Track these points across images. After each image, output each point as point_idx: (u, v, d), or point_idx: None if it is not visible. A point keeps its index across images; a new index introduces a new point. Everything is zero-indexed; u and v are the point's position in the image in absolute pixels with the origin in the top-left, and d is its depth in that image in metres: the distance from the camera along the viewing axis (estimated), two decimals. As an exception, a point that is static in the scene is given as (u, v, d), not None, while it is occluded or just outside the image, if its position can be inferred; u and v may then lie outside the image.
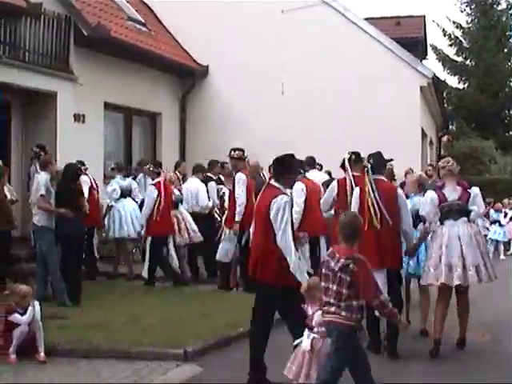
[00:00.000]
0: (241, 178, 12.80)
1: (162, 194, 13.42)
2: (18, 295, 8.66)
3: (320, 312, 6.49)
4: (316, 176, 14.55)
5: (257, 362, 7.72)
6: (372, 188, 9.04)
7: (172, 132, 20.89)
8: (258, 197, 7.73)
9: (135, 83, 18.61)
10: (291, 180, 7.80)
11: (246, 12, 20.30)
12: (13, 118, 15.74)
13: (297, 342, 6.99)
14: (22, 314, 8.49)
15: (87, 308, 11.01)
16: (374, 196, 8.99)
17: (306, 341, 6.78)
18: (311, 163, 14.88)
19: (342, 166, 10.05)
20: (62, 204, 11.53)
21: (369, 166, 9.29)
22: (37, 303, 8.75)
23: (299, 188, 12.00)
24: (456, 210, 9.19)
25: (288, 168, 7.68)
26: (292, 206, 7.67)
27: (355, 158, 9.99)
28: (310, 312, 6.79)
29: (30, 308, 8.54)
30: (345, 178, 9.85)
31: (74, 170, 12.06)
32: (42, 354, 8.44)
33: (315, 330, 6.67)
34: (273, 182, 7.57)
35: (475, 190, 9.50)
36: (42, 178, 11.57)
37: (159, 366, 8.27)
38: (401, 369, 8.39)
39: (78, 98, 16.28)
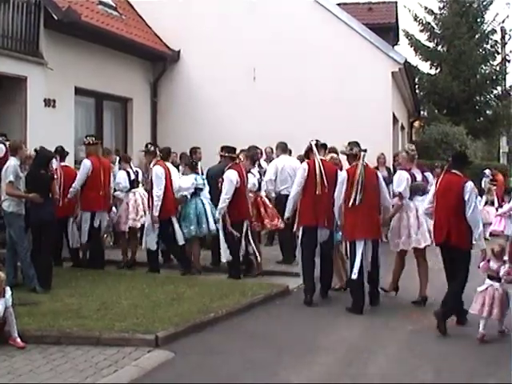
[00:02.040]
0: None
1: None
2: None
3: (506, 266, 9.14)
4: (287, 161, 15.07)
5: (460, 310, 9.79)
6: (361, 171, 10.79)
7: (143, 117, 20.79)
8: (440, 181, 9.97)
9: (106, 68, 18.50)
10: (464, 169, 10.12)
11: (218, -4, 20.25)
12: (-18, 102, 15.61)
13: (480, 288, 9.26)
14: (-7, 300, 8.47)
15: (58, 294, 10.94)
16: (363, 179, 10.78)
17: (488, 287, 9.18)
18: (284, 148, 15.33)
19: (309, 150, 11.66)
20: (32, 189, 11.45)
21: (362, 153, 10.98)
22: (8, 289, 8.70)
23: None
24: (423, 189, 11.50)
25: (466, 161, 10.36)
26: None
27: (321, 144, 11.75)
28: (494, 267, 9.21)
29: (2, 299, 8.49)
30: (313, 161, 11.41)
31: (46, 155, 11.95)
32: (19, 340, 8.43)
33: (502, 280, 9.14)
34: (454, 170, 9.89)
35: (430, 175, 12.12)
36: (10, 165, 11.46)
37: (131, 351, 8.26)
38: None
39: (49, 83, 16.16)
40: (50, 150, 12.37)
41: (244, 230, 12.86)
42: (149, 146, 14.07)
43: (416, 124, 33.52)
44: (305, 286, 11.51)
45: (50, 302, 10.38)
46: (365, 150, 11.09)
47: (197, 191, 13.59)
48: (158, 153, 13.76)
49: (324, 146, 11.92)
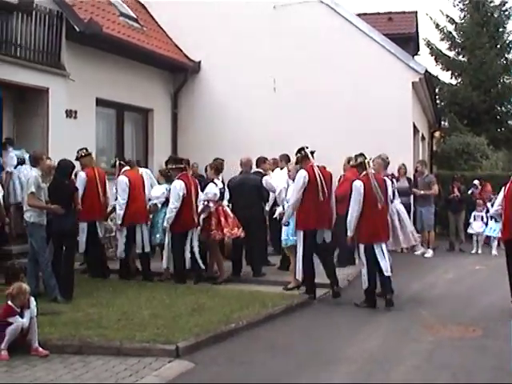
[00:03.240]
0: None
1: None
2: (24, 294, 8.66)
3: None
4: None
5: None
6: (374, 178, 11.68)
7: (164, 128, 20.86)
8: (509, 186, 11.45)
9: (127, 79, 18.59)
10: None
11: (239, 7, 20.29)
12: (4, 114, 15.68)
13: None
14: (19, 314, 8.52)
15: (79, 304, 10.99)
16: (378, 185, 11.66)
17: None
18: (287, 160, 15.45)
19: (304, 158, 12.20)
20: (54, 200, 11.52)
21: (366, 161, 11.82)
22: (32, 300, 8.76)
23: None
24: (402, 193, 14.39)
25: None
26: None
27: (313, 152, 12.31)
28: None
29: (27, 310, 8.57)
30: (312, 168, 12.01)
31: (68, 166, 12.02)
32: (41, 349, 8.49)
33: None
34: None
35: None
36: (31, 176, 11.55)
37: (151, 362, 8.27)
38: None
39: (70, 94, 16.25)
40: (71, 161, 12.43)
41: (189, 238, 13.35)
42: (116, 159, 14.75)
43: (436, 134, 33.35)
44: (309, 286, 12.28)
45: (71, 311, 10.44)
46: (371, 159, 12.10)
47: (167, 200, 13.79)
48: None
49: (312, 153, 12.35)
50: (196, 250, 13.48)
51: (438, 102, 29.90)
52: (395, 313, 11.34)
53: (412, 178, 19.45)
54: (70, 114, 16.36)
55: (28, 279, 11.30)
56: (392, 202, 12.41)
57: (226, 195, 14.09)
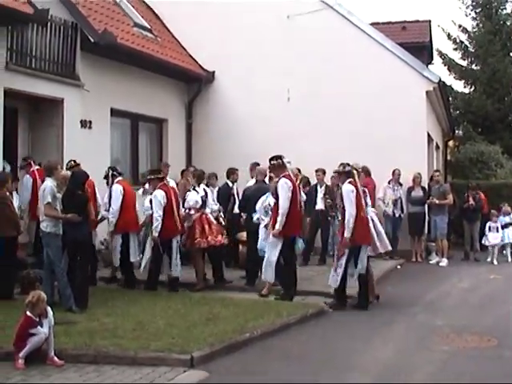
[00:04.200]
0: None
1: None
2: (43, 302, 8.71)
3: None
4: None
5: None
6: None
7: (178, 138, 20.92)
8: None
9: (141, 89, 18.66)
10: None
11: (252, 17, 20.32)
12: (20, 124, 15.79)
13: None
14: (38, 323, 8.56)
15: (94, 314, 11.02)
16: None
17: None
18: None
19: (280, 167, 12.76)
20: (69, 210, 11.57)
21: (354, 171, 12.51)
22: (50, 309, 8.80)
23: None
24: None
25: None
26: None
27: (289, 161, 12.96)
28: None
29: (46, 320, 8.61)
30: (290, 177, 12.67)
31: (81, 176, 12.08)
32: (56, 359, 8.53)
33: None
34: None
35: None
36: (47, 186, 11.60)
37: (166, 371, 8.29)
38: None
39: (85, 105, 16.33)
40: (85, 171, 12.47)
41: (174, 246, 13.57)
42: (108, 169, 14.73)
43: (450, 143, 33.27)
44: (288, 290, 12.75)
45: (86, 321, 10.47)
46: (358, 169, 12.84)
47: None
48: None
49: (288, 162, 13.02)
50: (177, 257, 13.71)
51: (451, 110, 29.78)
52: (410, 322, 11.35)
53: (426, 187, 19.45)
54: (85, 124, 16.43)
55: (43, 288, 11.33)
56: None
57: (209, 203, 14.50)
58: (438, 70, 39.95)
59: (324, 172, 17.86)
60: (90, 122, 16.57)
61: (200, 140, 21.11)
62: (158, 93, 19.60)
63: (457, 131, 33.73)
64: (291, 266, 12.99)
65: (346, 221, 12.14)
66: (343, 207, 12.28)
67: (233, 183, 16.47)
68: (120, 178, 14.43)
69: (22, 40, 14.77)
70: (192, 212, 13.93)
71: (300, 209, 12.96)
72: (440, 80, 20.26)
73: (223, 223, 15.02)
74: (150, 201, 13.83)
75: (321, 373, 8.40)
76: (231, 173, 16.57)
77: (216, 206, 14.93)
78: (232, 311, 11.31)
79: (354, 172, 12.51)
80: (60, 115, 15.77)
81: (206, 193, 14.44)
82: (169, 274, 13.81)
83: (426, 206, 19.26)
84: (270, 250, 12.70)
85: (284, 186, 12.55)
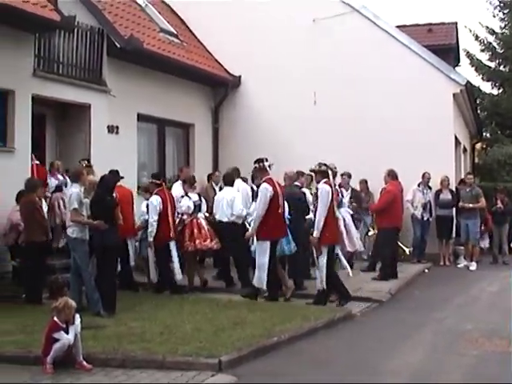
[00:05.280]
0: None
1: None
2: (70, 309, 8.74)
3: None
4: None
5: None
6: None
7: (205, 143, 20.96)
8: None
9: (168, 94, 18.73)
10: None
11: (278, 22, 20.35)
12: (47, 130, 15.92)
13: None
14: (64, 329, 8.58)
15: (122, 318, 11.05)
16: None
17: None
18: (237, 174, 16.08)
19: (263, 169, 13.08)
20: (96, 215, 11.63)
21: (330, 171, 12.73)
22: (78, 317, 8.81)
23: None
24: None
25: None
26: None
27: (270, 165, 13.21)
28: None
29: (72, 327, 8.63)
30: (272, 181, 12.90)
31: (110, 181, 12.13)
32: (85, 363, 8.55)
33: None
34: None
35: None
36: (73, 192, 11.66)
37: (194, 375, 8.27)
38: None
39: (112, 110, 16.43)
40: (113, 177, 12.51)
41: (172, 250, 13.88)
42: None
43: (478, 146, 33.04)
44: (273, 291, 12.99)
45: (114, 325, 10.49)
46: (333, 169, 12.96)
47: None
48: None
49: (270, 166, 13.25)
50: (176, 260, 13.98)
51: (479, 112, 29.59)
52: (438, 326, 11.28)
53: (455, 190, 19.34)
54: (112, 129, 16.52)
55: (71, 293, 11.39)
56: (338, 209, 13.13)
57: (203, 207, 14.81)
58: (466, 71, 39.71)
59: (350, 176, 17.83)
60: (117, 127, 16.65)
61: (226, 144, 21.15)
62: (184, 98, 19.66)
63: (484, 133, 33.49)
64: (273, 268, 13.08)
65: (316, 220, 12.42)
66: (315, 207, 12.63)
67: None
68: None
69: (50, 47, 14.91)
70: (185, 217, 14.28)
71: (282, 213, 13.04)
72: (467, 82, 20.14)
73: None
74: (147, 205, 14.11)
75: (349, 377, 8.35)
76: (255, 177, 16.44)
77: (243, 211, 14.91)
78: (259, 315, 11.28)
79: (329, 172, 12.73)
80: (87, 121, 15.88)
81: (200, 198, 14.82)
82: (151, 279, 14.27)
83: (454, 209, 19.13)
84: (259, 254, 12.87)
85: (263, 191, 12.84)
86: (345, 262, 13.18)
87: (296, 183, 15.23)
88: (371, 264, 16.68)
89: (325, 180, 12.63)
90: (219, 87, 21.23)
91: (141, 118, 17.79)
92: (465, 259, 18.86)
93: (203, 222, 14.44)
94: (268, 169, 13.12)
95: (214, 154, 21.28)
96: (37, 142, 14.88)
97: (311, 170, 13.30)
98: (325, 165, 12.80)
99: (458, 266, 18.65)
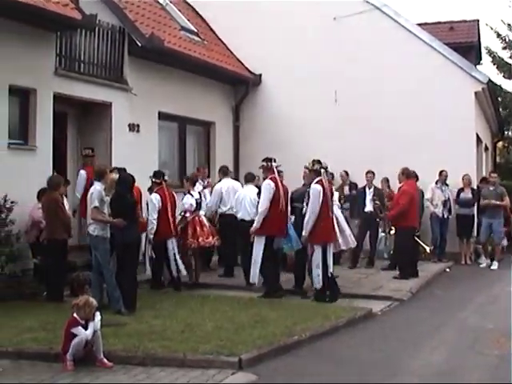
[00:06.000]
0: None
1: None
2: (90, 308, 8.77)
3: None
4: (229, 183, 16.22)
5: None
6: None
7: (226, 141, 20.97)
8: None
9: (189, 93, 18.75)
10: None
11: (299, 19, 20.29)
12: (69, 128, 15.97)
13: None
14: (83, 326, 8.62)
15: (143, 316, 11.09)
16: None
17: None
18: (225, 172, 16.60)
19: (269, 169, 13.39)
20: (117, 213, 11.67)
21: (322, 170, 12.83)
22: (98, 314, 8.84)
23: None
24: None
25: None
26: None
27: (278, 166, 13.58)
28: None
29: (91, 323, 8.65)
30: (276, 179, 13.25)
31: (129, 179, 12.17)
32: (105, 360, 8.58)
33: None
34: None
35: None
36: (95, 190, 11.71)
37: (215, 374, 8.28)
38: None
39: (133, 108, 16.47)
40: (132, 175, 12.51)
41: (170, 247, 14.02)
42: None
43: (499, 144, 32.84)
44: (273, 285, 13.39)
45: (135, 323, 10.53)
46: (326, 168, 13.06)
47: None
48: None
49: (277, 167, 13.61)
50: (177, 257, 14.14)
51: (500, 111, 29.38)
52: (460, 326, 11.22)
53: (476, 188, 19.22)
54: (133, 127, 16.55)
55: (92, 291, 11.47)
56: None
57: (203, 205, 15.21)
58: (487, 69, 39.45)
59: (374, 174, 17.77)
60: (138, 125, 16.68)
61: (247, 142, 21.15)
62: (205, 96, 19.67)
63: (506, 132, 33.28)
64: (274, 265, 13.51)
65: (305, 220, 12.70)
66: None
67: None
68: None
69: (71, 45, 14.95)
70: (187, 215, 14.49)
71: (284, 211, 13.32)
72: (489, 80, 20.01)
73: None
74: (147, 203, 14.31)
75: (370, 377, 8.34)
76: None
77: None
78: (280, 314, 11.28)
79: (322, 171, 12.85)
80: (108, 119, 15.92)
81: (200, 196, 15.09)
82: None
83: (476, 207, 19.02)
84: (255, 249, 13.32)
85: (266, 187, 13.26)
86: None
87: None
88: (392, 263, 16.62)
89: (318, 179, 12.80)
90: (240, 85, 21.23)
91: (162, 116, 17.80)
92: (486, 258, 18.74)
93: (204, 220, 14.84)
94: (274, 169, 13.44)
95: (235, 152, 21.29)
96: (58, 140, 14.94)
97: (306, 168, 13.45)
98: (319, 162, 12.96)
99: (481, 265, 18.51)
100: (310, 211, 12.65)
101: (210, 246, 14.93)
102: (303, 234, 12.78)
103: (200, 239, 14.38)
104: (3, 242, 12.04)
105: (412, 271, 15.52)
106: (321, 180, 12.78)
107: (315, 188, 12.70)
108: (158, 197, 13.89)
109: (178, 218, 14.49)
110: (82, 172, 14.65)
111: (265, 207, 13.16)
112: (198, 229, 14.45)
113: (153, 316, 11.10)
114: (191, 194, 14.79)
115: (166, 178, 14.41)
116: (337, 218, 13.45)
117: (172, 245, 14.06)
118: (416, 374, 8.45)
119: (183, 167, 19.11)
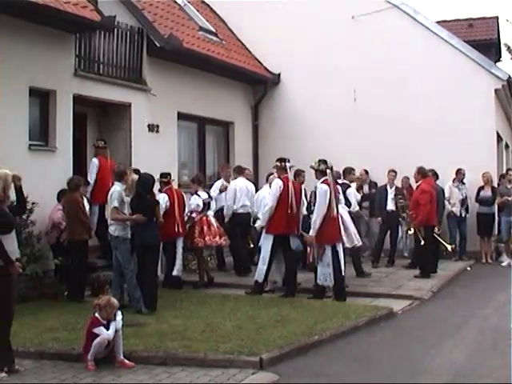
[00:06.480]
0: None
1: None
2: (111, 308, 8.80)
3: None
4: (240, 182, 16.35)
5: None
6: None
7: (245, 140, 20.98)
8: None
9: (208, 93, 18.76)
10: None
11: (317, 19, 20.30)
12: (89, 129, 16.04)
13: None
14: (105, 326, 8.65)
15: (163, 316, 11.12)
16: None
17: None
18: (239, 171, 16.85)
19: (282, 169, 13.44)
20: (136, 213, 11.71)
21: (328, 170, 12.81)
22: (119, 313, 8.87)
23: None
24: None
25: None
26: None
27: (291, 166, 13.64)
28: None
29: (113, 323, 8.68)
30: (287, 179, 13.28)
31: (148, 180, 12.20)
32: (127, 361, 8.61)
33: None
34: None
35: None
36: (115, 190, 11.75)
37: (235, 373, 8.29)
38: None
39: (152, 109, 16.50)
40: (152, 175, 12.53)
41: (178, 247, 14.15)
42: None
43: (520, 142, 32.61)
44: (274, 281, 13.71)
45: (155, 323, 10.56)
46: (331, 168, 12.99)
47: None
48: None
49: (290, 167, 13.69)
50: (180, 257, 14.27)
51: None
52: (481, 325, 11.16)
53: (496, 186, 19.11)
54: (152, 128, 16.58)
55: (113, 291, 11.51)
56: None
57: (212, 205, 15.33)
58: (507, 66, 39.13)
59: (396, 173, 17.70)
60: (158, 125, 16.72)
61: (266, 142, 21.15)
62: (224, 96, 19.69)
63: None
64: (289, 265, 13.54)
65: (313, 220, 12.74)
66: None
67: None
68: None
69: (90, 46, 15.01)
70: (194, 215, 14.68)
71: (296, 210, 13.32)
72: (509, 77, 19.88)
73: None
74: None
75: (391, 375, 8.31)
76: (297, 175, 16.42)
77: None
78: (301, 313, 11.28)
79: (328, 171, 12.87)
80: (128, 120, 15.96)
81: (209, 196, 15.26)
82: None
83: (496, 206, 18.91)
84: (263, 247, 13.51)
85: (274, 185, 13.41)
86: None
87: (344, 181, 15.32)
88: (413, 261, 16.57)
89: (324, 179, 12.81)
90: (259, 85, 21.23)
91: (181, 116, 17.83)
92: (507, 257, 18.62)
93: (212, 220, 14.98)
94: (288, 169, 13.47)
95: (254, 152, 21.29)
96: (78, 141, 15.01)
97: (311, 167, 13.38)
98: (325, 162, 12.95)
99: (502, 264, 18.38)
100: (317, 211, 12.66)
101: (217, 245, 15.17)
102: (311, 233, 12.75)
103: (207, 238, 14.55)
104: (24, 243, 12.09)
105: (432, 269, 15.48)
106: (326, 180, 12.78)
107: (322, 188, 12.71)
108: (166, 197, 13.92)
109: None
110: (95, 159, 14.73)
111: (270, 205, 13.27)
112: (206, 228, 14.68)
113: (173, 316, 11.14)
114: (198, 195, 14.89)
115: (172, 177, 14.62)
116: (342, 217, 13.47)
117: (180, 244, 14.19)
118: (436, 374, 8.41)
119: (203, 167, 19.13)
